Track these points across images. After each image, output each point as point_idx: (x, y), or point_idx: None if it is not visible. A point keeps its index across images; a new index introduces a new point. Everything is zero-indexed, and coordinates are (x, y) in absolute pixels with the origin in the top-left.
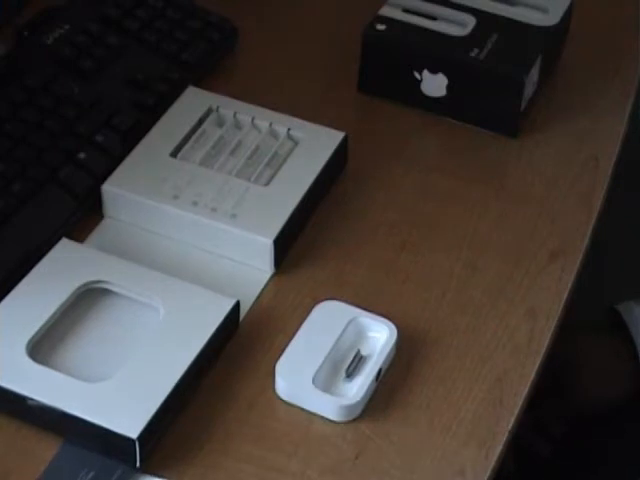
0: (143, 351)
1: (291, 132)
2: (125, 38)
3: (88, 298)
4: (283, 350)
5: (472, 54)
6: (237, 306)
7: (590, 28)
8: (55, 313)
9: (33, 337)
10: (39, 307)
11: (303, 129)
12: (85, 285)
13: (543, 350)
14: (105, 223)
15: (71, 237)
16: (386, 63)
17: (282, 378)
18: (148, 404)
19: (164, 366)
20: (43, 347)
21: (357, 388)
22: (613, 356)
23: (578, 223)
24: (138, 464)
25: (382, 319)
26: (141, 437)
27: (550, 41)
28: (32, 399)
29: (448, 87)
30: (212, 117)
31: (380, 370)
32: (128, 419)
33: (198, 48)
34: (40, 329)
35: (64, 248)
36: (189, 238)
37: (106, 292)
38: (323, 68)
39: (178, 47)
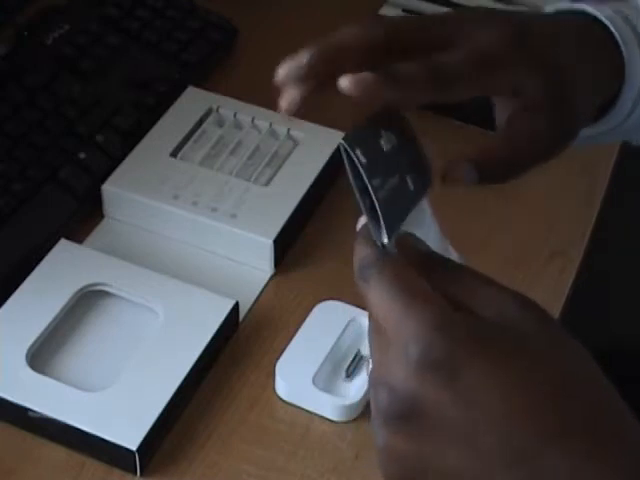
0: (142, 356)
1: (291, 132)
2: (125, 38)
3: (87, 301)
4: (283, 350)
5: None
6: (236, 307)
7: None
8: (55, 319)
9: (33, 345)
10: (38, 313)
11: (303, 129)
12: (84, 288)
13: None
14: (105, 223)
15: (71, 237)
16: None
17: (282, 378)
18: (147, 413)
19: (163, 372)
20: (43, 355)
21: (357, 388)
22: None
23: (578, 223)
24: (139, 473)
25: None
26: (141, 448)
27: None
28: (33, 410)
29: None
30: (212, 117)
31: None
32: (128, 430)
33: (198, 48)
34: (40, 336)
35: (63, 250)
36: (189, 238)
37: (105, 294)
38: None
39: (178, 47)
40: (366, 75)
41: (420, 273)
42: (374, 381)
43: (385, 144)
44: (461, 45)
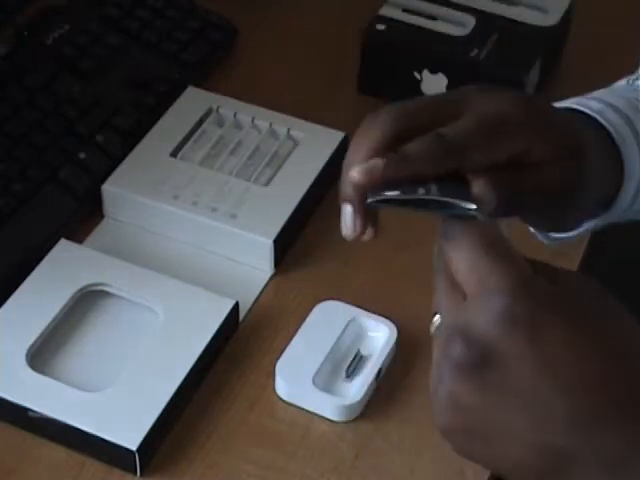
0: (142, 356)
1: (291, 132)
2: (125, 38)
3: (87, 301)
4: (283, 350)
5: (472, 54)
6: (236, 307)
7: (590, 28)
8: (55, 319)
9: (33, 345)
10: (38, 313)
11: (303, 129)
12: (84, 288)
13: None
14: (105, 223)
15: (71, 237)
16: (386, 63)
17: (282, 378)
18: (147, 413)
19: (163, 372)
20: (43, 355)
21: (357, 388)
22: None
23: None
24: (139, 473)
25: (382, 319)
26: (141, 448)
27: (550, 41)
28: (33, 410)
29: (448, 87)
30: (212, 117)
31: (380, 370)
32: (128, 430)
33: (198, 48)
34: (40, 336)
35: (63, 249)
36: (189, 238)
37: (105, 294)
38: (323, 68)
39: (178, 47)
40: (375, 162)
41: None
42: (449, 330)
43: None
44: (471, 112)
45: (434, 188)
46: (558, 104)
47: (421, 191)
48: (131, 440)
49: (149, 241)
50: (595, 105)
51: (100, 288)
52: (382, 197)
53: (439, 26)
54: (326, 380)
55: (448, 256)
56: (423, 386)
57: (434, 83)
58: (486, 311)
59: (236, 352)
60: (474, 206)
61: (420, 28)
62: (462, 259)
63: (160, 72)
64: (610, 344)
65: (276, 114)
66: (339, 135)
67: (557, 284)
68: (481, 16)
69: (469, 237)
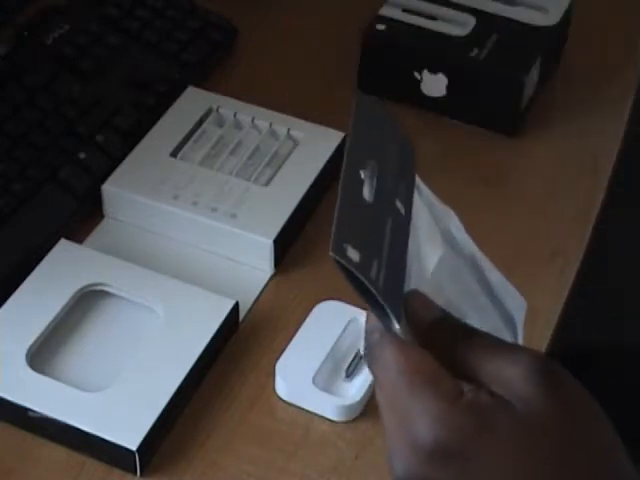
0: (142, 356)
1: (291, 132)
2: (125, 38)
3: (87, 301)
4: (283, 350)
5: (472, 54)
6: (236, 307)
7: (590, 28)
8: (55, 319)
9: (33, 345)
10: (38, 313)
11: (303, 129)
12: (84, 288)
13: (543, 350)
14: (105, 223)
15: (71, 237)
16: (386, 63)
17: (282, 378)
18: (147, 413)
19: (163, 372)
20: (43, 355)
21: (357, 388)
22: None
23: (578, 223)
24: (139, 473)
25: None
26: (141, 447)
27: (550, 41)
28: (33, 410)
29: (448, 87)
30: (212, 117)
31: None
32: (128, 429)
33: (198, 48)
34: (40, 336)
35: (63, 250)
36: (189, 238)
37: (105, 294)
38: (323, 68)
39: (178, 47)
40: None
41: (428, 339)
42: (389, 459)
43: (368, 184)
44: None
45: (383, 274)
46: None
47: (373, 272)
48: (131, 440)
49: (149, 241)
50: None
51: (100, 288)
52: (345, 262)
53: (439, 26)
54: (326, 380)
55: (373, 374)
56: None
57: (434, 83)
58: (415, 450)
59: (236, 352)
60: (397, 327)
61: (420, 28)
62: (382, 389)
63: (160, 72)
64: (548, 468)
65: (276, 114)
66: (339, 135)
67: (491, 395)
68: (481, 16)
69: (385, 367)
